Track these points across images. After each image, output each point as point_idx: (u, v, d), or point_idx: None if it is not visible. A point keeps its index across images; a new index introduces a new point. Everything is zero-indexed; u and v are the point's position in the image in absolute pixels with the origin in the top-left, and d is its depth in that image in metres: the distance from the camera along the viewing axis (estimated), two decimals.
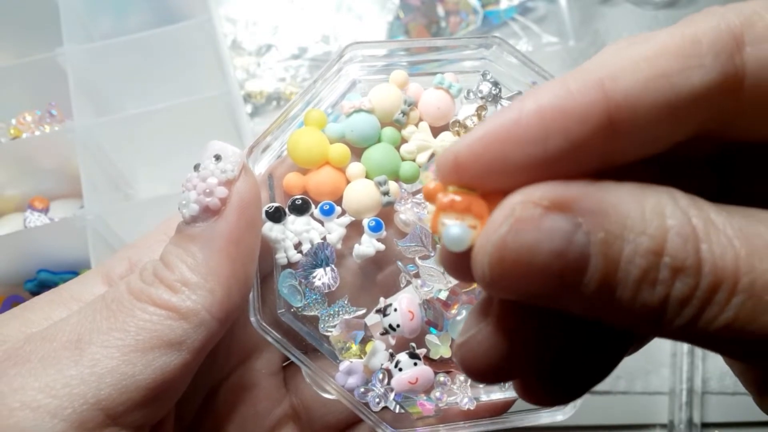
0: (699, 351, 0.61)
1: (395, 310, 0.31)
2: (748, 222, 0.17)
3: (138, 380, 0.25)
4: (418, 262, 0.32)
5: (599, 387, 0.71)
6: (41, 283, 0.60)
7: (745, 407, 0.60)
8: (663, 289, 0.17)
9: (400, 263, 0.33)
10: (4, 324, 0.28)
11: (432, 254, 0.32)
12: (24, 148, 0.62)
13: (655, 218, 0.17)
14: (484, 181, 0.19)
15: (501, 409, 0.32)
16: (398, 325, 0.31)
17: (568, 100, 0.17)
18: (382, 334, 0.32)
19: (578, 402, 0.30)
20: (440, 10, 0.74)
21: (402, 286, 0.33)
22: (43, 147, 0.61)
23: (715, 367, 0.61)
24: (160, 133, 0.60)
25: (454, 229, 0.18)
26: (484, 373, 0.20)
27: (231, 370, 0.34)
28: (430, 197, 0.20)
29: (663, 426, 0.60)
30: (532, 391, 0.21)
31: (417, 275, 0.32)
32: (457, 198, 0.19)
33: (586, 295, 0.17)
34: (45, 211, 0.63)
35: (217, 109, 0.59)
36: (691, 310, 0.17)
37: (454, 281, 0.32)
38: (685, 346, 0.61)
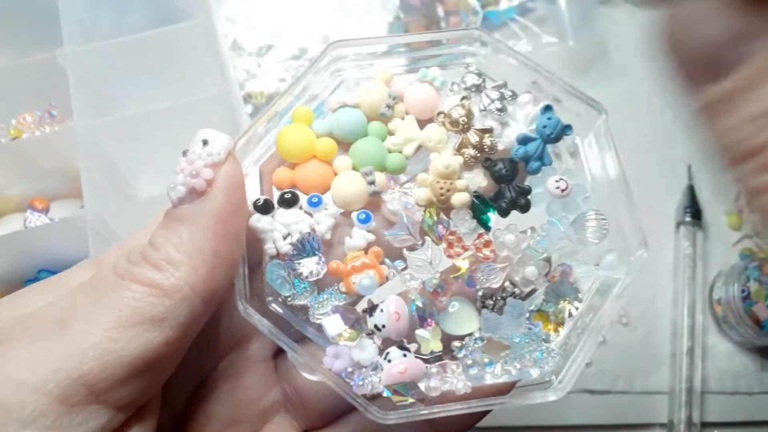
0: (698, 351, 0.61)
1: (381, 311, 0.31)
2: None
3: (121, 356, 0.25)
4: (406, 253, 0.32)
5: (599, 387, 0.71)
6: None
7: (745, 407, 0.61)
8: None
9: (387, 260, 0.32)
10: None
11: (419, 243, 0.32)
12: (24, 149, 0.61)
13: None
14: None
15: (497, 392, 0.32)
16: (383, 326, 0.31)
17: None
18: (368, 334, 0.31)
19: (569, 385, 0.31)
20: (440, 11, 0.74)
21: (390, 277, 0.33)
22: (43, 147, 0.61)
23: (714, 367, 0.61)
24: (160, 134, 0.60)
25: (365, 280, 0.30)
26: None
27: (220, 359, 0.34)
28: (336, 273, 0.31)
29: (662, 425, 0.60)
30: None
31: (405, 269, 0.32)
32: (355, 264, 0.31)
33: None
34: (45, 211, 0.63)
35: (217, 109, 0.60)
36: None
37: (441, 270, 0.32)
38: (684, 346, 0.61)
